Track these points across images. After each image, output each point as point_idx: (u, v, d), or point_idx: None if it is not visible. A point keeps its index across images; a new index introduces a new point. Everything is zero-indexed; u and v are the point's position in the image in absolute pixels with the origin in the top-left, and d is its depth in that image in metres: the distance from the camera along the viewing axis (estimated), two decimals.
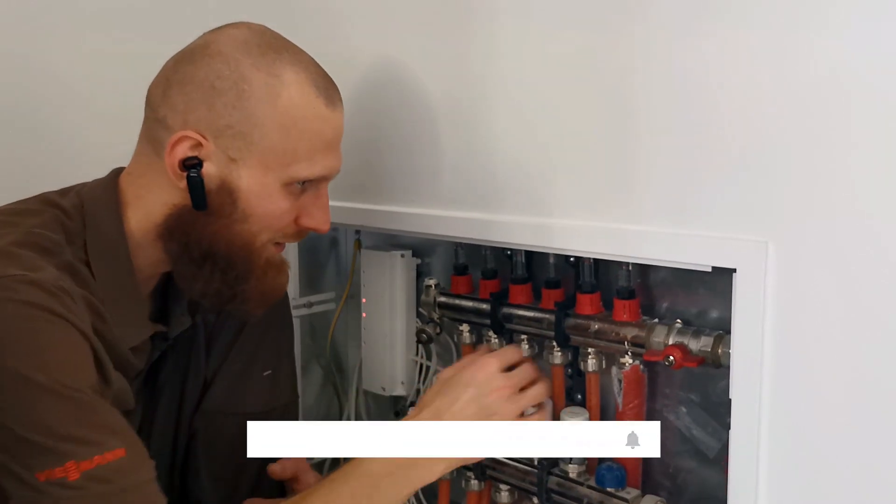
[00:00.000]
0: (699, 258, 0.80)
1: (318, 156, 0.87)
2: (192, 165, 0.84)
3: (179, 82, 0.85)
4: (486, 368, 0.91)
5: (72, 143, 1.25)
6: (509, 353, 0.95)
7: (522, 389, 0.95)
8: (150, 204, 0.88)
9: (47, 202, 0.88)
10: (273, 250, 0.92)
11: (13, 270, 0.76)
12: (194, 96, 0.84)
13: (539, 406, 0.96)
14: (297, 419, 1.15)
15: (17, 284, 0.75)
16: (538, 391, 0.92)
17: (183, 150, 0.84)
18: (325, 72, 0.90)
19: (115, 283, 0.85)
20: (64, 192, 0.92)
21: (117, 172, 0.93)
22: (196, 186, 0.85)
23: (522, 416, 0.94)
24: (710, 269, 0.80)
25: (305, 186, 0.89)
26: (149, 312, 0.94)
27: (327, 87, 0.88)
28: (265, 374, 1.07)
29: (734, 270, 0.78)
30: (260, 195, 0.86)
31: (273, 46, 0.86)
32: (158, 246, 0.89)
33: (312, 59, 0.90)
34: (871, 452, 0.72)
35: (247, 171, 0.85)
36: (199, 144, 0.84)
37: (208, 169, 0.85)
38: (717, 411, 0.94)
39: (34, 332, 0.74)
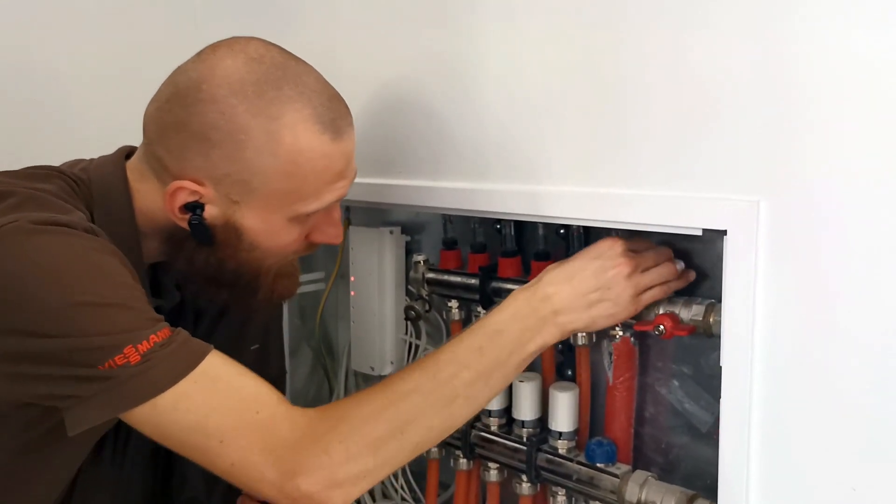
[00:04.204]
0: (689, 221, 0.78)
1: (325, 189, 0.84)
2: (193, 207, 0.83)
3: (173, 127, 0.82)
4: (613, 246, 0.86)
5: (71, 143, 1.24)
6: (639, 241, 0.90)
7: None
8: (156, 209, 0.86)
9: (53, 170, 0.87)
10: (284, 262, 0.90)
11: (43, 214, 0.75)
12: (190, 145, 0.81)
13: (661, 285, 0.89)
14: (284, 394, 1.13)
15: (46, 225, 0.74)
16: (659, 272, 0.87)
17: (182, 198, 0.83)
18: (330, 93, 0.85)
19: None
20: (70, 165, 0.90)
21: (125, 153, 0.90)
22: (199, 228, 0.83)
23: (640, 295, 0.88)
24: (700, 233, 0.78)
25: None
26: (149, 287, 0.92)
27: (333, 118, 0.83)
28: (253, 348, 1.05)
29: (725, 232, 0.75)
30: (266, 232, 0.85)
31: (272, 80, 0.81)
32: (162, 244, 0.88)
33: (317, 80, 0.84)
34: (867, 420, 0.70)
35: (250, 211, 0.83)
36: (197, 191, 0.82)
37: (210, 210, 0.83)
38: (710, 384, 0.92)
39: (67, 258, 0.73)
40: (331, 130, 0.82)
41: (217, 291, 0.89)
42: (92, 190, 0.86)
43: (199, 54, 0.84)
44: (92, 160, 0.91)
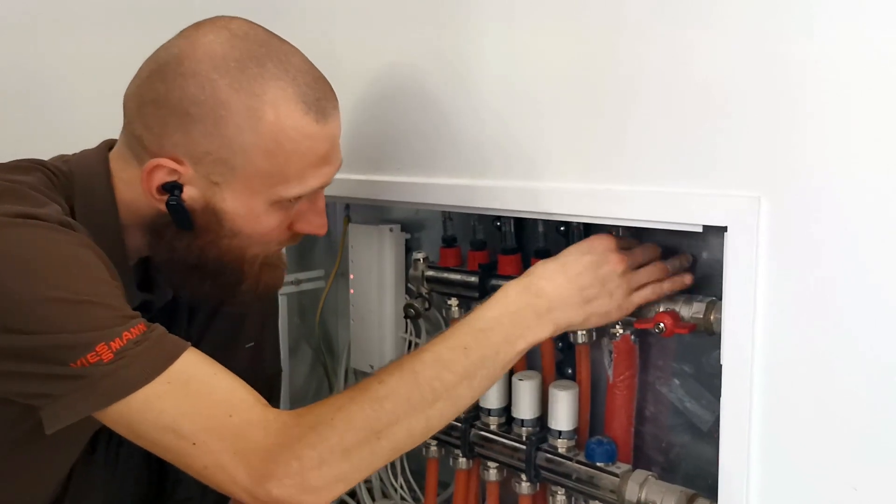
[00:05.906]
0: (689, 217, 0.77)
1: (309, 172, 0.82)
2: (172, 188, 0.81)
3: (153, 102, 0.80)
4: (605, 241, 0.85)
5: (69, 141, 1.24)
6: (626, 239, 0.89)
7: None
8: (138, 198, 0.84)
9: (35, 162, 0.85)
10: (268, 252, 0.89)
11: (17, 206, 0.74)
12: (169, 121, 0.79)
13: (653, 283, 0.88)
14: (279, 392, 1.12)
15: (20, 218, 0.73)
16: (651, 270, 0.86)
17: (160, 177, 0.81)
18: (315, 74, 0.83)
19: (105, 250, 0.80)
20: (56, 159, 0.89)
21: (108, 145, 0.89)
22: (177, 211, 0.82)
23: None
24: (701, 230, 0.77)
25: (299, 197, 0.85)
26: (135, 282, 0.91)
27: (317, 99, 0.81)
28: (248, 346, 1.04)
29: (725, 229, 0.74)
30: (247, 217, 0.82)
31: (255, 57, 0.79)
32: (145, 236, 0.87)
33: (302, 60, 0.83)
34: (868, 418, 0.69)
35: (231, 193, 0.81)
36: (176, 170, 0.80)
37: (189, 192, 0.81)
38: (711, 383, 0.91)
39: (41, 252, 0.72)
40: (315, 111, 0.80)
41: (200, 282, 0.87)
42: (73, 182, 0.85)
43: (182, 32, 0.83)
44: (75, 153, 0.90)
